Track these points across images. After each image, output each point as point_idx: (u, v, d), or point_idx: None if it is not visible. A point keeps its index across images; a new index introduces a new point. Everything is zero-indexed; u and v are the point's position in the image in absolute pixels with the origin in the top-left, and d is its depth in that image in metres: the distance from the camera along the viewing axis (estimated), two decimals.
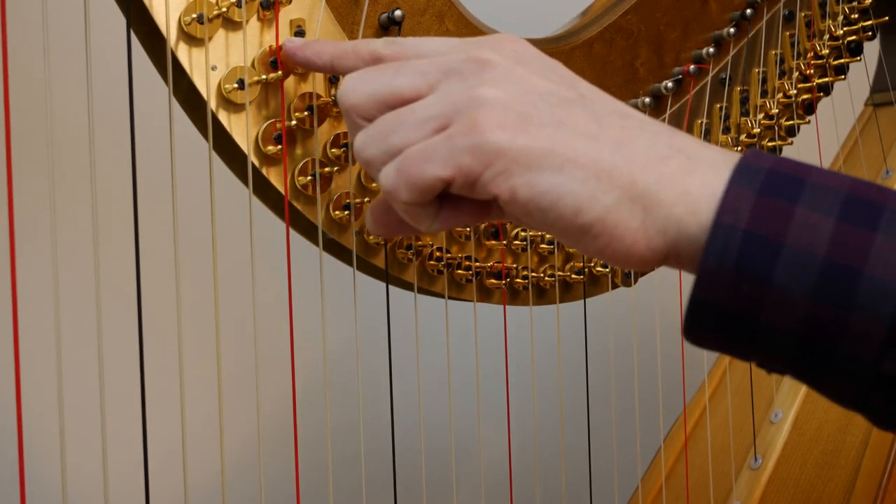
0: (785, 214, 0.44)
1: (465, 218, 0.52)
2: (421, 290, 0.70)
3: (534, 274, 0.76)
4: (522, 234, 0.75)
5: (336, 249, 0.66)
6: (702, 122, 0.83)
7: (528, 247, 0.75)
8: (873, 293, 0.42)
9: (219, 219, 0.58)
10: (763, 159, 0.46)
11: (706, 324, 0.45)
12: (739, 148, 0.85)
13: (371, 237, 0.66)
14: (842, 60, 0.94)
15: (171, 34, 0.57)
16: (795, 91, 0.90)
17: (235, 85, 0.59)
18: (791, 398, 0.94)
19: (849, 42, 0.94)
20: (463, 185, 0.49)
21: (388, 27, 0.65)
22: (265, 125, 0.61)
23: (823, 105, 0.93)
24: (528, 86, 0.49)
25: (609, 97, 0.51)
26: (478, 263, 0.73)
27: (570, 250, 0.78)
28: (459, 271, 0.72)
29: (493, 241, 0.74)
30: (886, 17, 0.96)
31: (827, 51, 0.93)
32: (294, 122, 0.62)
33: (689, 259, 0.47)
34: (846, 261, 0.43)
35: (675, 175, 0.47)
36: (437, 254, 0.71)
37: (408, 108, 0.50)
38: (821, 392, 0.47)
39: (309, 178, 0.63)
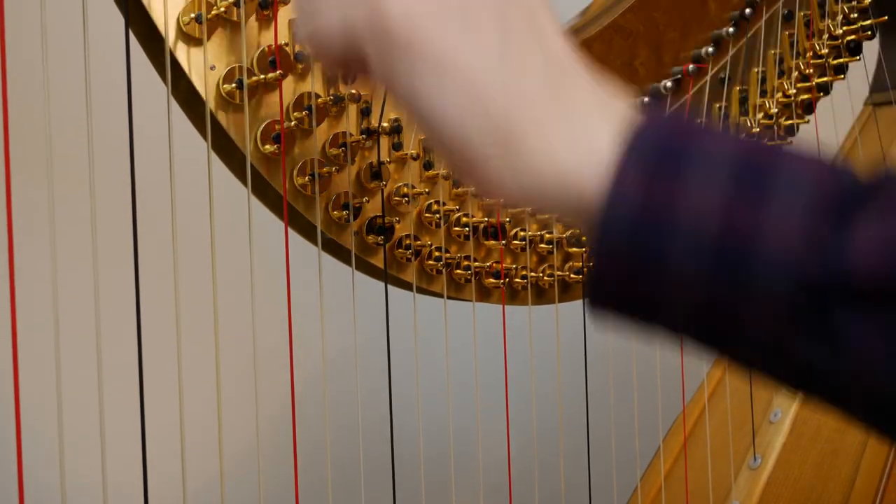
0: (673, 194, 0.41)
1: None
2: (420, 290, 0.70)
3: (533, 274, 0.76)
4: (521, 233, 0.75)
5: (335, 249, 0.66)
6: (701, 122, 0.83)
7: (528, 246, 0.75)
8: (769, 272, 0.40)
9: (218, 218, 0.58)
10: (650, 123, 0.44)
11: (607, 292, 0.43)
12: None
13: (370, 237, 0.66)
14: (841, 60, 0.93)
15: (170, 34, 0.57)
16: (795, 90, 0.89)
17: (234, 84, 0.59)
18: (790, 398, 0.94)
19: (848, 41, 0.94)
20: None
21: None
22: (264, 125, 0.61)
23: (823, 105, 0.93)
24: None
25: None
26: (477, 263, 0.73)
27: (570, 250, 0.78)
28: (458, 271, 0.72)
29: (492, 241, 0.74)
30: (886, 17, 0.96)
31: (826, 50, 0.92)
32: (293, 122, 0.62)
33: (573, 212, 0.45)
34: (738, 241, 0.40)
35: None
36: (436, 253, 0.70)
37: None
38: (725, 342, 0.44)
39: (307, 177, 0.63)
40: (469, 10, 0.46)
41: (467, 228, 0.72)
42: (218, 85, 0.59)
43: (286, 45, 0.61)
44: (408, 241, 0.68)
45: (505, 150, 0.45)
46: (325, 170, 0.63)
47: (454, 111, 0.45)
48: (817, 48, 0.92)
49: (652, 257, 0.42)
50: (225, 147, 0.60)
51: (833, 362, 0.41)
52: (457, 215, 0.71)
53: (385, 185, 0.66)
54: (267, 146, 0.61)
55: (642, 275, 0.42)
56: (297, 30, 0.51)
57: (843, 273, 0.39)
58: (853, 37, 0.94)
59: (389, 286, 0.68)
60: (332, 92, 0.63)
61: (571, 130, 0.45)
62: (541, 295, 0.78)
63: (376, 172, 0.66)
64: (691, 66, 0.80)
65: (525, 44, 0.47)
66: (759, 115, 0.87)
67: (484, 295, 0.74)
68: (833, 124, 1.01)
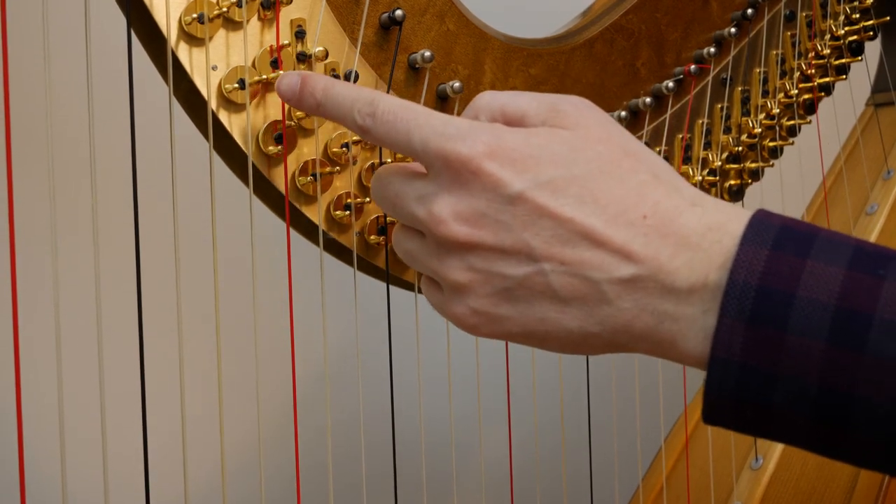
0: (796, 268, 0.45)
1: None
2: (421, 290, 0.70)
3: None
4: None
5: (336, 249, 0.66)
6: (703, 123, 0.83)
7: None
8: (885, 337, 0.43)
9: (219, 219, 0.58)
10: (773, 217, 0.48)
11: (726, 385, 0.47)
12: (740, 148, 0.85)
13: (372, 237, 0.66)
14: (843, 60, 0.93)
15: (172, 34, 0.57)
16: (796, 91, 0.89)
17: (236, 85, 0.59)
18: None
19: (850, 42, 0.94)
20: None
21: (389, 27, 0.65)
22: (266, 125, 0.61)
23: (824, 105, 0.93)
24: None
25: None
26: None
27: None
28: None
29: None
30: (888, 17, 0.96)
31: (828, 51, 0.93)
32: (295, 122, 0.62)
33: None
34: (857, 306, 0.44)
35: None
36: None
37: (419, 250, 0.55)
38: (838, 457, 0.48)
39: (309, 177, 0.63)
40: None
41: None
42: (220, 85, 0.59)
43: (287, 45, 0.61)
44: None
45: (616, 349, 0.53)
46: (327, 170, 0.63)
47: (563, 348, 0.54)
48: (819, 48, 0.92)
49: (772, 321, 0.45)
50: (227, 147, 0.60)
51: None
52: None
53: None
54: (269, 146, 0.61)
55: (750, 413, 0.47)
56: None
57: None
58: (855, 37, 0.94)
59: (391, 286, 0.68)
60: None
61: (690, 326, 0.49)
62: None
63: None
64: (693, 67, 0.80)
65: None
66: (761, 116, 0.87)
67: None
68: (835, 125, 1.01)
